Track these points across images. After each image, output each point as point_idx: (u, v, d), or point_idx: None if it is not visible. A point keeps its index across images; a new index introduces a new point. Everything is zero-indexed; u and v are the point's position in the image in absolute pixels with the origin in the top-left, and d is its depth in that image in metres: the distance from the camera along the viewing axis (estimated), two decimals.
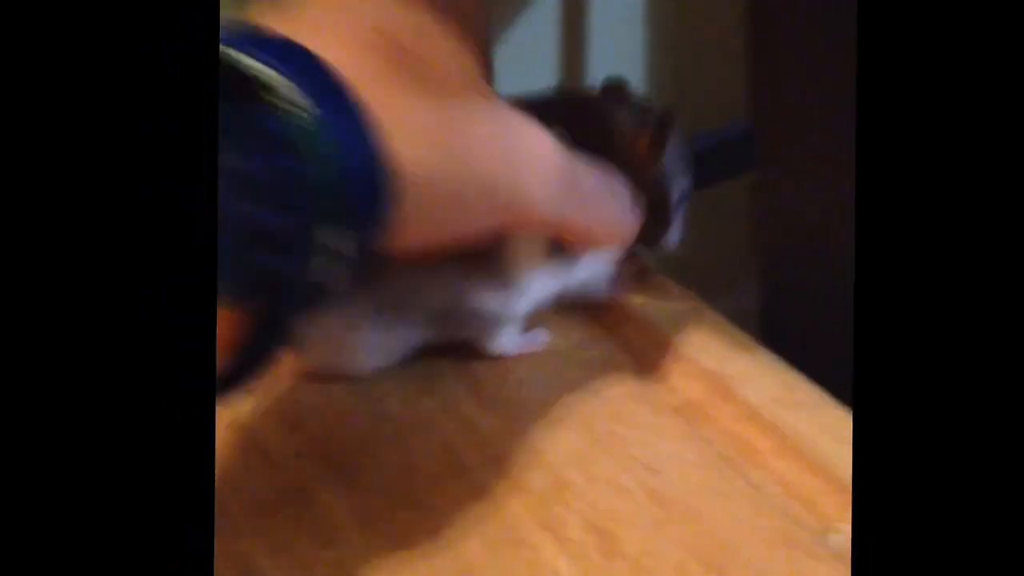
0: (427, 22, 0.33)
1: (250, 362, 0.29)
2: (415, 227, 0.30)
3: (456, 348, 0.43)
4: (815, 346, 0.48)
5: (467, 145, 0.31)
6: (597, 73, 1.07)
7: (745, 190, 0.94)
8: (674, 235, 0.44)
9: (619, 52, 1.06)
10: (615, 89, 0.42)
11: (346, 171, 0.28)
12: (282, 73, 0.27)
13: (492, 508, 0.37)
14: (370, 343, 0.41)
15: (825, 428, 0.39)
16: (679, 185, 0.42)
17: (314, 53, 0.29)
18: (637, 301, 0.46)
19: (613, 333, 0.45)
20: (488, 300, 0.40)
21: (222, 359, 0.28)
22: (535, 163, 0.33)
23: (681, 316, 0.45)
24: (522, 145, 0.33)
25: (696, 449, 0.39)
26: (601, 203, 0.38)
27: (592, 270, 0.42)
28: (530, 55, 1.01)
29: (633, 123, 0.41)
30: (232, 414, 0.42)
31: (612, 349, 0.44)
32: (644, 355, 0.44)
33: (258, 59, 0.28)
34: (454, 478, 0.39)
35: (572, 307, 0.46)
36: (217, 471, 0.39)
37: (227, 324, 0.27)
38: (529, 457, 0.39)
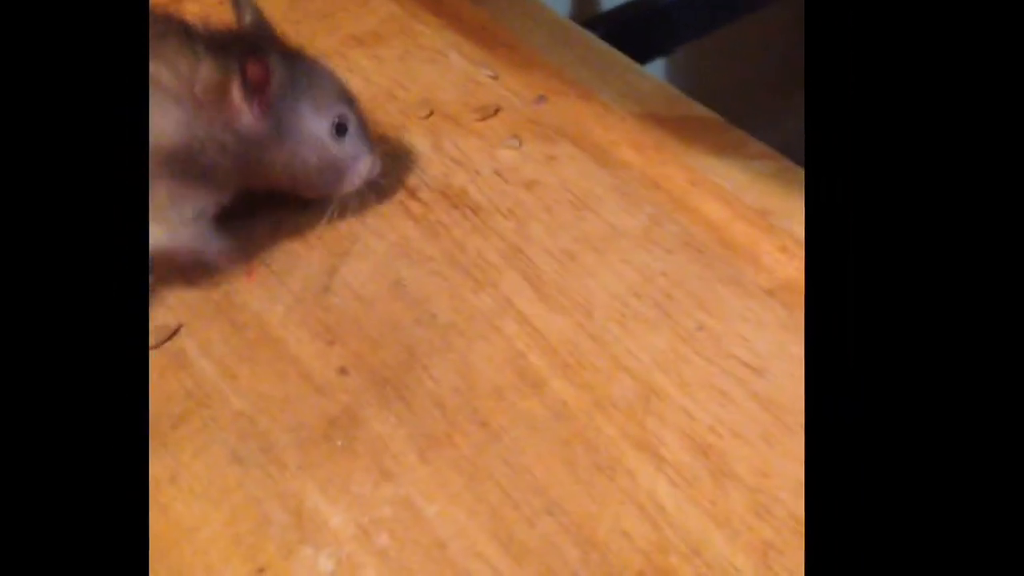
0: None
1: None
2: None
3: None
4: None
5: None
6: None
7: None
8: (352, 171, 0.39)
9: None
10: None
11: None
12: None
13: (574, 426, 0.32)
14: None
15: None
16: (310, 121, 0.37)
17: None
18: (711, 163, 0.40)
19: (686, 205, 0.39)
20: None
21: None
22: None
23: (765, 178, 0.39)
24: None
25: (801, 339, 0.33)
26: None
27: None
28: None
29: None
30: (259, 324, 0.36)
31: (688, 224, 0.38)
32: (726, 228, 0.38)
33: None
34: (523, 392, 0.34)
35: (636, 177, 0.40)
36: (252, 397, 0.34)
37: None
38: (609, 363, 0.34)
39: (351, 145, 0.38)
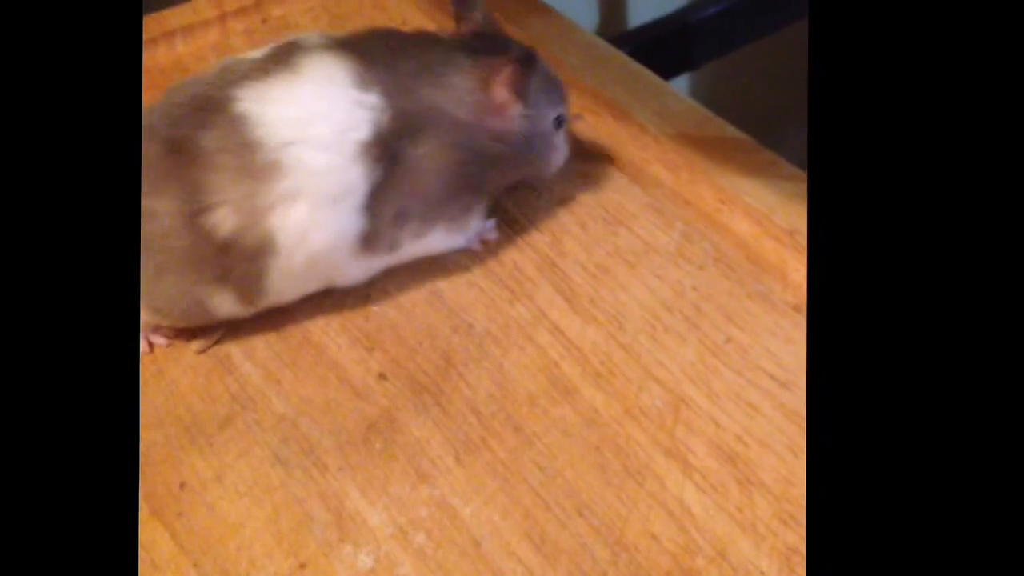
0: None
1: None
2: None
3: None
4: None
5: None
6: None
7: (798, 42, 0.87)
8: (557, 160, 0.40)
9: None
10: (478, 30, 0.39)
11: None
12: None
13: (606, 433, 0.33)
14: None
15: None
16: (547, 116, 0.38)
17: None
18: (742, 183, 0.41)
19: (716, 223, 0.40)
20: None
21: None
22: None
23: (793, 199, 0.40)
24: None
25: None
26: None
27: None
28: None
29: (487, 64, 0.37)
30: (301, 331, 0.37)
31: (718, 241, 0.39)
32: (755, 246, 0.39)
33: None
34: (557, 399, 0.35)
35: (668, 195, 0.41)
36: (295, 400, 0.36)
37: None
38: (640, 373, 0.35)
39: (560, 137, 0.40)
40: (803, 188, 0.40)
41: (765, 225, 0.39)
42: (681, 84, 1.00)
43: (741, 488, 0.31)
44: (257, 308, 0.37)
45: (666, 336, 0.36)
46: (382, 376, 0.36)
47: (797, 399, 0.33)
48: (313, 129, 0.34)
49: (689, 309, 0.37)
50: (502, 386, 0.35)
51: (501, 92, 0.36)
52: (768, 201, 0.40)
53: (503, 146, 0.37)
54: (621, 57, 0.49)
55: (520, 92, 0.37)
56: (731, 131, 0.43)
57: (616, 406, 0.34)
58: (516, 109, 0.37)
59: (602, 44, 0.49)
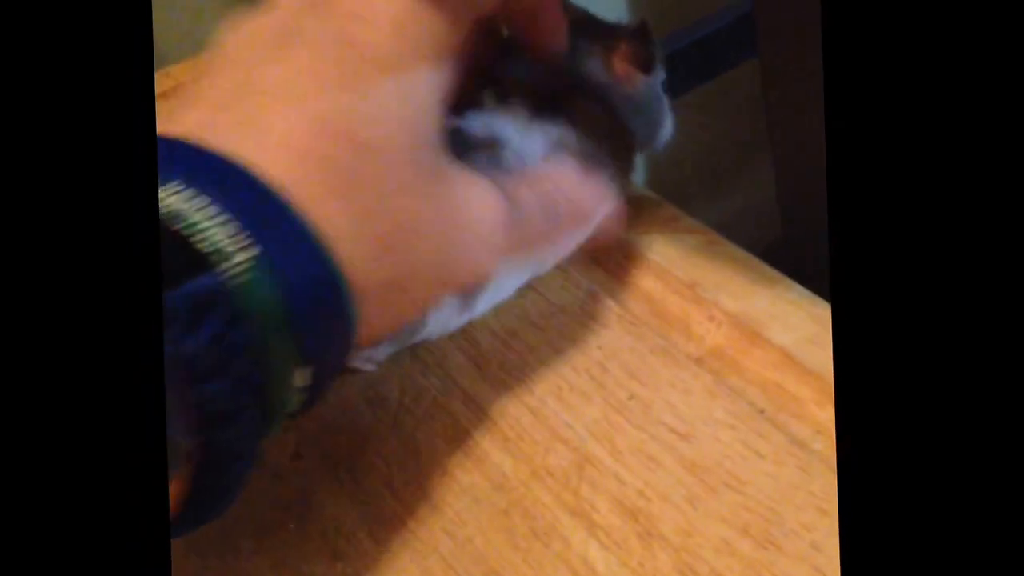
0: (379, 95, 0.30)
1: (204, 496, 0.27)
2: (367, 329, 0.30)
3: None
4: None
5: (409, 239, 0.30)
6: None
7: (750, 78, 0.89)
8: (665, 133, 0.41)
9: None
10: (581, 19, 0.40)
11: (298, 307, 0.27)
12: (219, 208, 0.26)
13: (513, 496, 0.34)
14: None
15: None
16: (658, 83, 0.40)
17: (249, 172, 0.27)
18: (645, 240, 0.42)
19: (622, 279, 0.41)
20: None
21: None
22: (479, 228, 0.33)
23: (694, 252, 0.41)
24: (464, 216, 0.32)
25: (727, 406, 0.35)
26: (558, 226, 0.36)
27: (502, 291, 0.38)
28: None
29: (605, 44, 0.39)
30: None
31: (624, 298, 0.40)
32: (659, 301, 0.40)
33: (193, 188, 0.26)
34: (468, 467, 0.35)
35: (575, 256, 0.42)
36: None
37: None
38: (547, 434, 0.36)
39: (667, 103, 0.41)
40: (702, 240, 0.41)
41: (667, 280, 0.40)
42: None
43: (642, 543, 0.32)
44: None
45: (572, 396, 0.37)
46: (297, 455, 0.37)
47: (695, 450, 0.34)
48: None
49: (594, 368, 0.38)
50: (415, 457, 0.36)
51: (623, 67, 0.38)
52: (670, 255, 0.41)
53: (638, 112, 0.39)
54: None
55: (640, 63, 0.39)
56: (634, 189, 0.44)
57: (524, 469, 0.35)
58: (640, 79, 0.39)
59: None
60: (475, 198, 0.33)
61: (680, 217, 0.43)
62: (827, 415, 0.34)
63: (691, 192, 0.89)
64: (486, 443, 0.36)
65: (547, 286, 0.41)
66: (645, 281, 0.41)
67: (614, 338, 0.39)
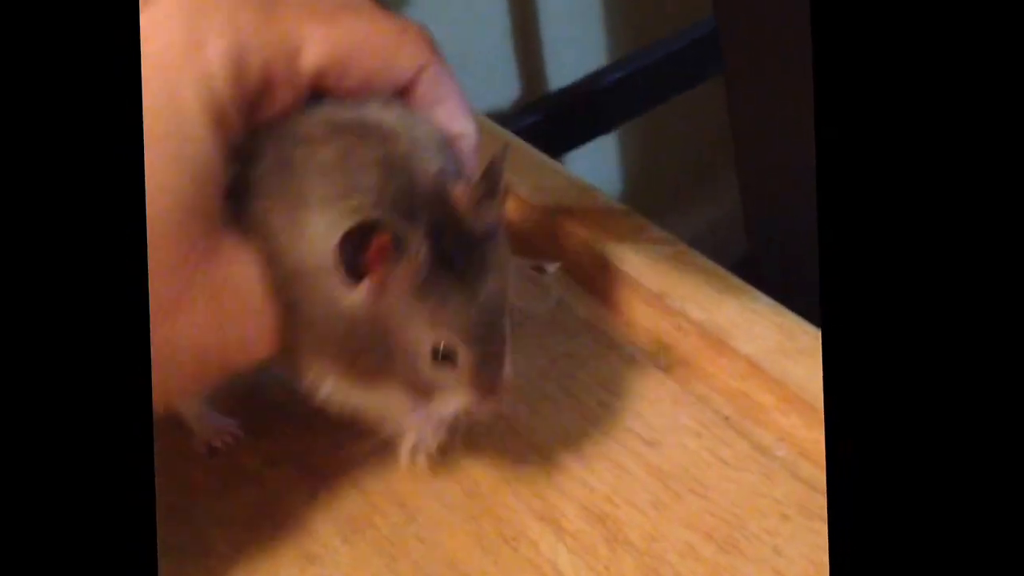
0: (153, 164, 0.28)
1: None
2: None
3: None
4: (802, 255, 0.45)
5: (169, 316, 0.30)
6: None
7: (712, 95, 0.90)
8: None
9: None
10: None
11: None
12: None
13: (483, 503, 0.35)
14: None
15: None
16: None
17: None
18: (614, 250, 0.43)
19: (591, 289, 0.42)
20: None
21: None
22: (249, 301, 0.32)
23: (662, 263, 0.42)
24: (231, 289, 0.32)
25: (693, 413, 0.36)
26: None
27: None
28: None
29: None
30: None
31: (594, 307, 0.41)
32: (627, 310, 0.41)
33: None
34: (439, 472, 0.36)
35: (545, 264, 0.43)
36: (188, 488, 0.37)
37: None
38: (517, 442, 0.36)
39: None
40: (670, 251, 0.42)
41: (636, 289, 0.41)
42: (609, 142, 1.03)
43: (609, 547, 0.33)
44: None
45: (542, 403, 0.38)
46: (272, 461, 0.37)
47: (662, 456, 0.35)
48: None
49: (564, 376, 0.38)
50: (387, 463, 0.37)
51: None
52: (638, 266, 0.42)
53: None
54: (504, 134, 0.51)
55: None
56: (604, 201, 0.45)
57: (494, 475, 0.36)
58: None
59: (485, 121, 0.51)
60: (244, 271, 0.32)
61: (648, 227, 0.44)
62: (790, 422, 0.35)
63: (660, 207, 0.90)
64: (459, 450, 0.37)
65: (519, 294, 0.42)
66: (614, 291, 0.41)
67: (583, 347, 0.39)
